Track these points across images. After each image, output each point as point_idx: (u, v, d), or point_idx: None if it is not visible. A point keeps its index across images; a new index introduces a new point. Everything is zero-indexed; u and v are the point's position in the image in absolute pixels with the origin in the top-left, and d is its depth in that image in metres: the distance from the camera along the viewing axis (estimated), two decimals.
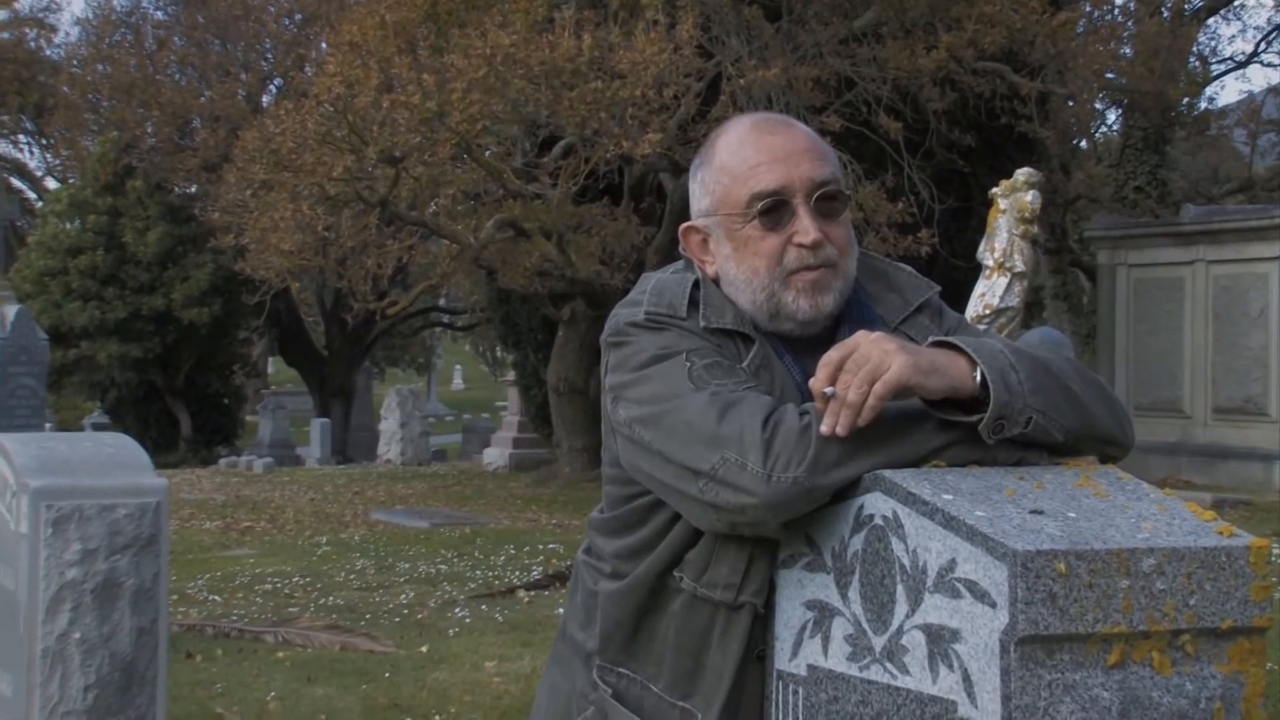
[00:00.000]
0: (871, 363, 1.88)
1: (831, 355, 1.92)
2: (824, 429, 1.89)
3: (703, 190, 2.20)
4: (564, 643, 2.34)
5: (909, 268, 2.30)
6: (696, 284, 2.16)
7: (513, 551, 11.82)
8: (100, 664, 3.86)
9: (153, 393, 28.21)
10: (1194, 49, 24.68)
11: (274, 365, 48.36)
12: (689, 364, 2.04)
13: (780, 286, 2.11)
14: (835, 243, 2.12)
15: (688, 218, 2.27)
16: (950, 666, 1.78)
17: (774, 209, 2.11)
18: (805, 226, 2.10)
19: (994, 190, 11.47)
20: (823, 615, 1.98)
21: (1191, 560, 1.77)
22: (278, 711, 6.51)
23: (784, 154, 2.13)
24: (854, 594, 1.92)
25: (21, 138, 36.83)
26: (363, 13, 14.68)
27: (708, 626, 2.09)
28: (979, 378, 1.90)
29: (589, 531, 2.32)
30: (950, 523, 1.78)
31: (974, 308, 11.12)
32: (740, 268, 2.14)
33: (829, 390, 1.90)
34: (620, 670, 2.19)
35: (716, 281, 2.18)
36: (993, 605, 1.72)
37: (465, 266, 16.61)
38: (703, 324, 2.11)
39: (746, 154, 2.14)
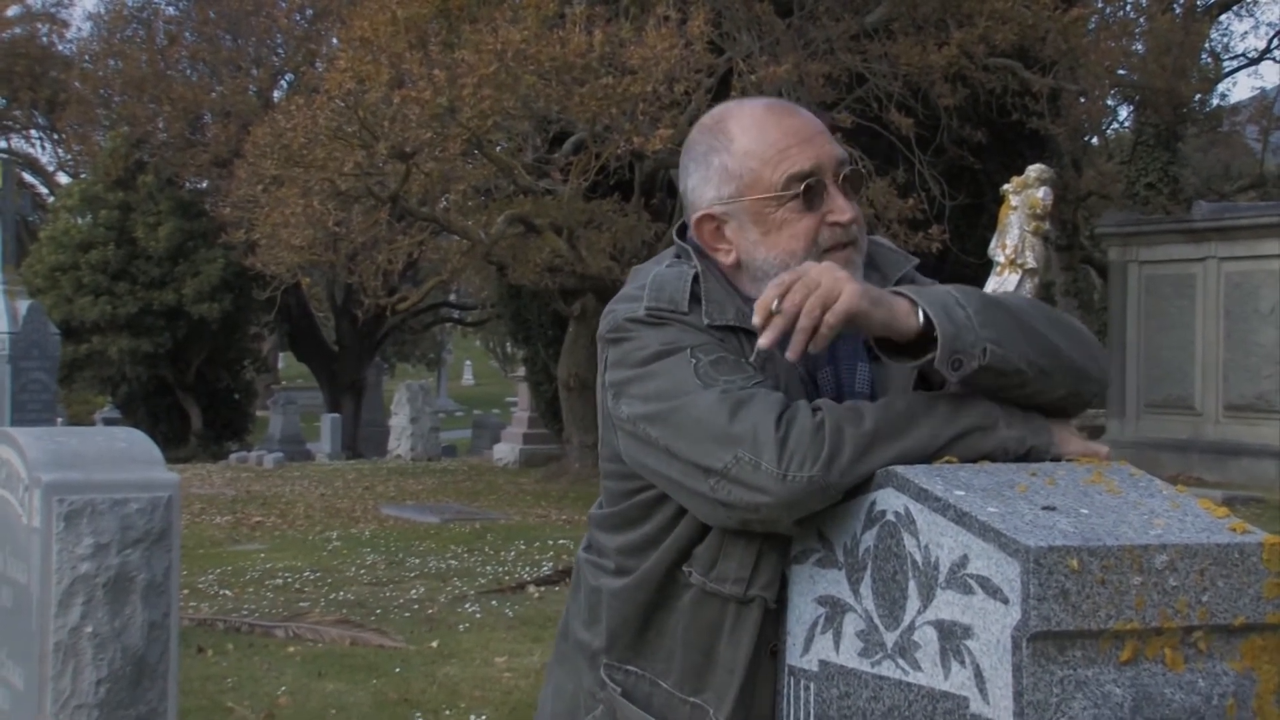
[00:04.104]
0: (824, 288, 1.92)
1: (784, 277, 1.96)
2: (764, 341, 1.93)
3: (723, 177, 2.16)
4: (568, 642, 2.31)
5: (888, 242, 2.32)
6: (696, 278, 2.14)
7: (523, 547, 11.82)
8: (112, 658, 3.87)
9: (163, 388, 28.22)
10: (1206, 45, 24.65)
11: (284, 360, 48.43)
12: (694, 360, 2.03)
13: None
14: (857, 220, 2.15)
15: None
16: (962, 662, 1.77)
17: (814, 188, 2.12)
18: (841, 205, 2.12)
19: (1005, 186, 11.41)
20: (834, 611, 1.97)
21: (1204, 557, 1.76)
22: (288, 706, 6.53)
23: (808, 135, 2.14)
24: (866, 590, 1.92)
25: (33, 133, 36.92)
26: (374, 8, 14.66)
27: (718, 621, 2.08)
28: (921, 317, 1.93)
29: (590, 528, 2.30)
30: (962, 519, 1.78)
31: None
32: (773, 251, 2.13)
33: (775, 306, 1.93)
34: (628, 668, 2.18)
35: (735, 269, 2.16)
36: (1005, 601, 1.72)
37: (476, 262, 16.59)
38: (706, 321, 2.09)
39: (772, 137, 2.14)
